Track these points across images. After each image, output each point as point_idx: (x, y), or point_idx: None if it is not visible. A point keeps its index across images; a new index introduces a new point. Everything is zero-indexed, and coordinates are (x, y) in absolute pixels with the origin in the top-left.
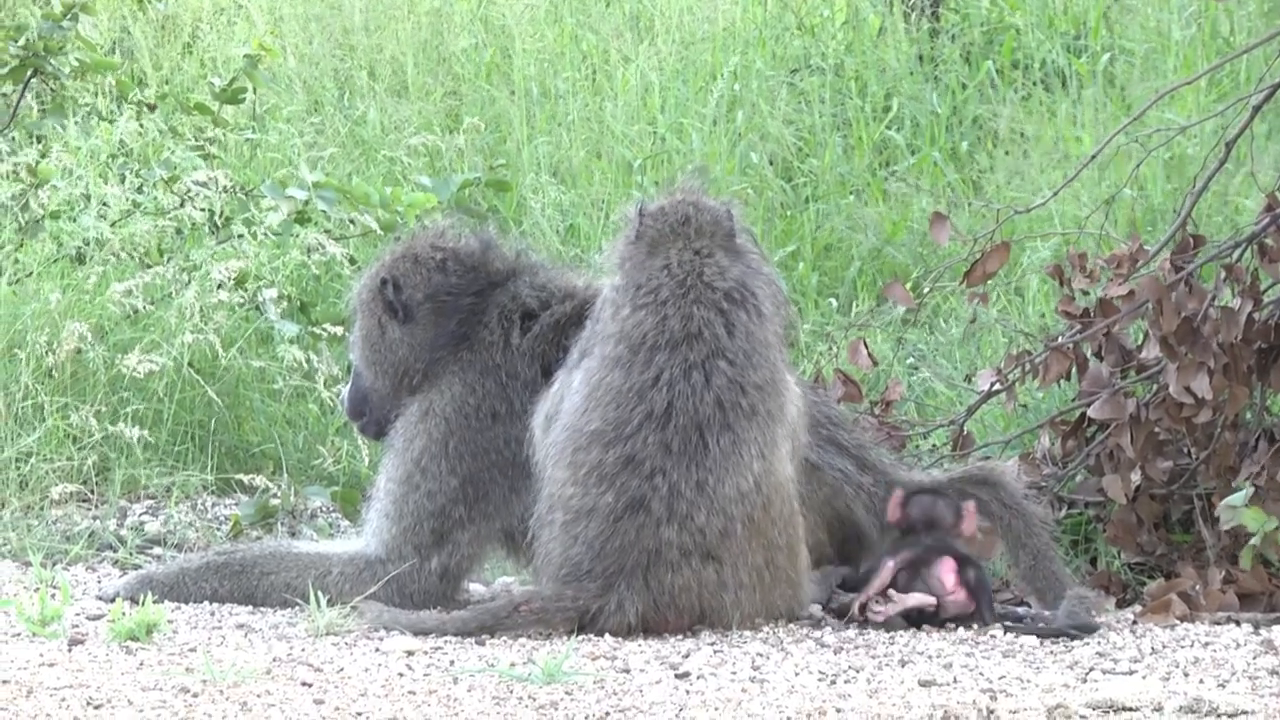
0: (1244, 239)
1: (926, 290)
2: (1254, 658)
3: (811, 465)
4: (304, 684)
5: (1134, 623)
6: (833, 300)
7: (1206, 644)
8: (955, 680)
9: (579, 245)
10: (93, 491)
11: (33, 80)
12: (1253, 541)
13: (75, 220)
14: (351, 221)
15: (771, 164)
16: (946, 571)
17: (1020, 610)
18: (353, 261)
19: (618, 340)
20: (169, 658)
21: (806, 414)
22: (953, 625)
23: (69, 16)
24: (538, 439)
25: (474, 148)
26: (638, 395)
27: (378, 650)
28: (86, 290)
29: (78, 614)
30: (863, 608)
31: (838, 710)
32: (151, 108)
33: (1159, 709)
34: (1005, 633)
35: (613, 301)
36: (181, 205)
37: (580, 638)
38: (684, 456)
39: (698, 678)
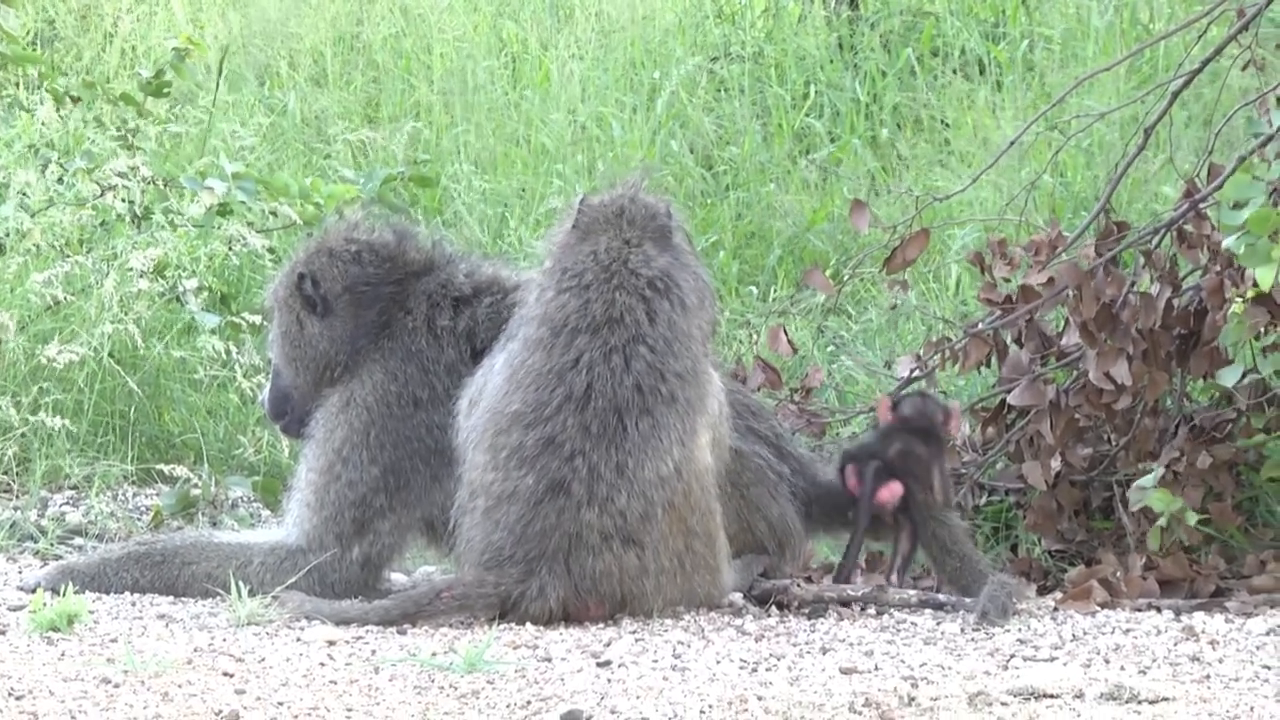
0: (1163, 225)
1: (846, 277)
2: (1175, 644)
3: (735, 452)
4: (225, 674)
5: (1055, 610)
6: (753, 288)
7: (1127, 631)
8: (876, 668)
9: (508, 236)
10: (13, 482)
11: None
12: (1159, 523)
13: None
14: (273, 213)
15: (692, 152)
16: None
17: (941, 597)
18: (273, 252)
19: (540, 323)
20: (90, 648)
21: (729, 412)
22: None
23: None
24: (461, 423)
25: (400, 141)
26: (557, 377)
27: (299, 640)
28: (7, 280)
29: None
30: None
31: (759, 698)
32: (75, 100)
33: (1080, 696)
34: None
35: (539, 284)
36: (102, 195)
37: (501, 626)
38: (603, 439)
39: (619, 666)
